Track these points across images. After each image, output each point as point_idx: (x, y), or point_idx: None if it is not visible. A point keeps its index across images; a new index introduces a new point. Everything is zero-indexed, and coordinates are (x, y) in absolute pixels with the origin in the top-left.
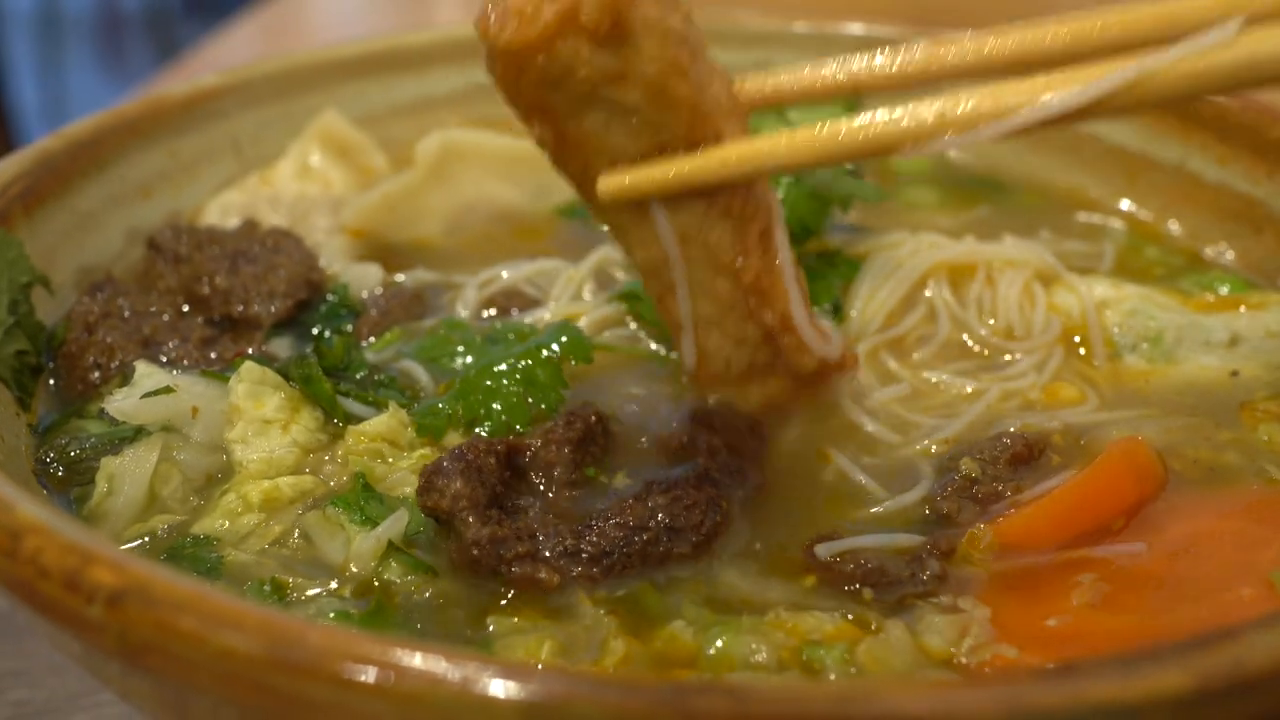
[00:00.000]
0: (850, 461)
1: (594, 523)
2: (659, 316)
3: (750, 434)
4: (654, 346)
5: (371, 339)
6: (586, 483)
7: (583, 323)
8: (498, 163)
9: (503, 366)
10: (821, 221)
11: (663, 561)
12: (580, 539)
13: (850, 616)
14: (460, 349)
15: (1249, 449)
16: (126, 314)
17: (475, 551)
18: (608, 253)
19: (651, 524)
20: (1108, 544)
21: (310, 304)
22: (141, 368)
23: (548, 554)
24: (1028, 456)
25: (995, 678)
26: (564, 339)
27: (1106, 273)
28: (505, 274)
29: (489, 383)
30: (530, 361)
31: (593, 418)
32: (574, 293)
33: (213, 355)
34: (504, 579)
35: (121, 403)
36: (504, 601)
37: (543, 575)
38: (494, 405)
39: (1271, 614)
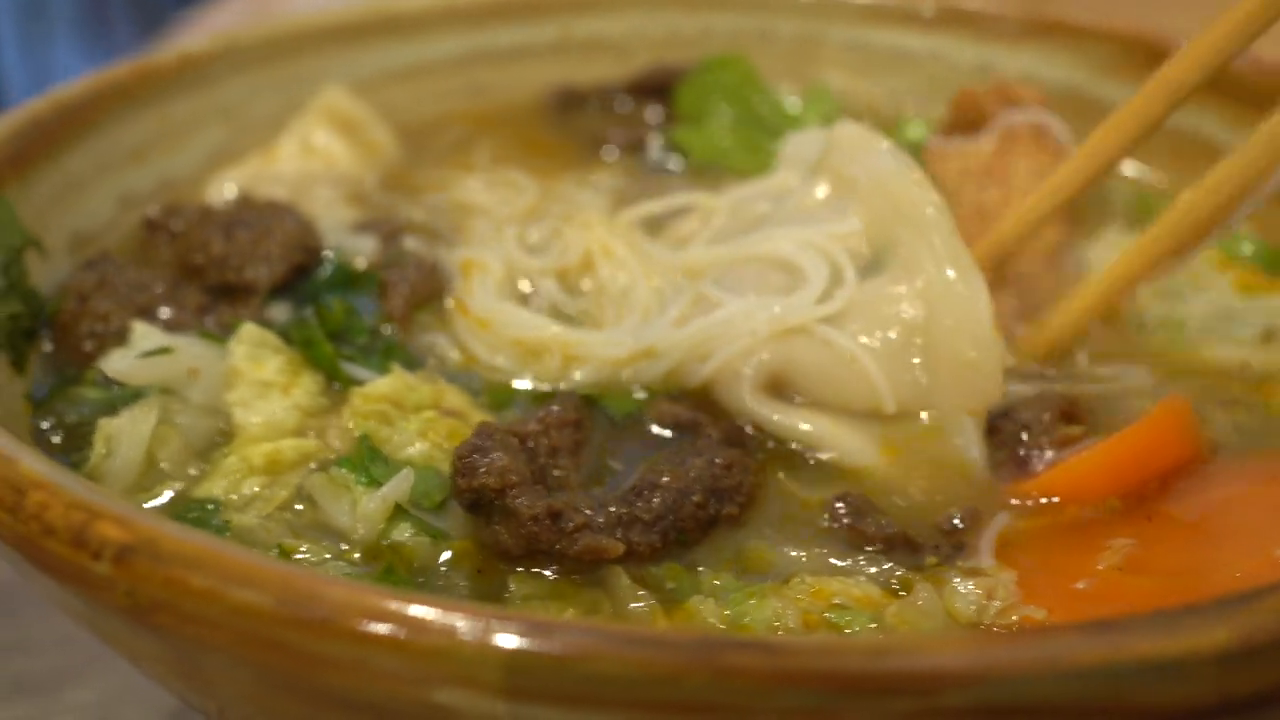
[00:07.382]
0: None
1: (641, 489)
2: None
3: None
4: None
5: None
6: (592, 464)
7: None
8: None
9: None
10: None
11: (712, 524)
12: (632, 505)
13: (877, 580)
14: None
15: (1267, 416)
16: (121, 285)
17: (535, 527)
18: None
19: (699, 487)
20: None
21: (308, 271)
22: (139, 328)
23: (603, 522)
24: (1074, 415)
25: (1034, 632)
26: None
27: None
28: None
29: None
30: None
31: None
32: None
33: (209, 321)
34: (564, 555)
35: (118, 363)
36: (520, 569)
37: (606, 543)
38: None
39: None
